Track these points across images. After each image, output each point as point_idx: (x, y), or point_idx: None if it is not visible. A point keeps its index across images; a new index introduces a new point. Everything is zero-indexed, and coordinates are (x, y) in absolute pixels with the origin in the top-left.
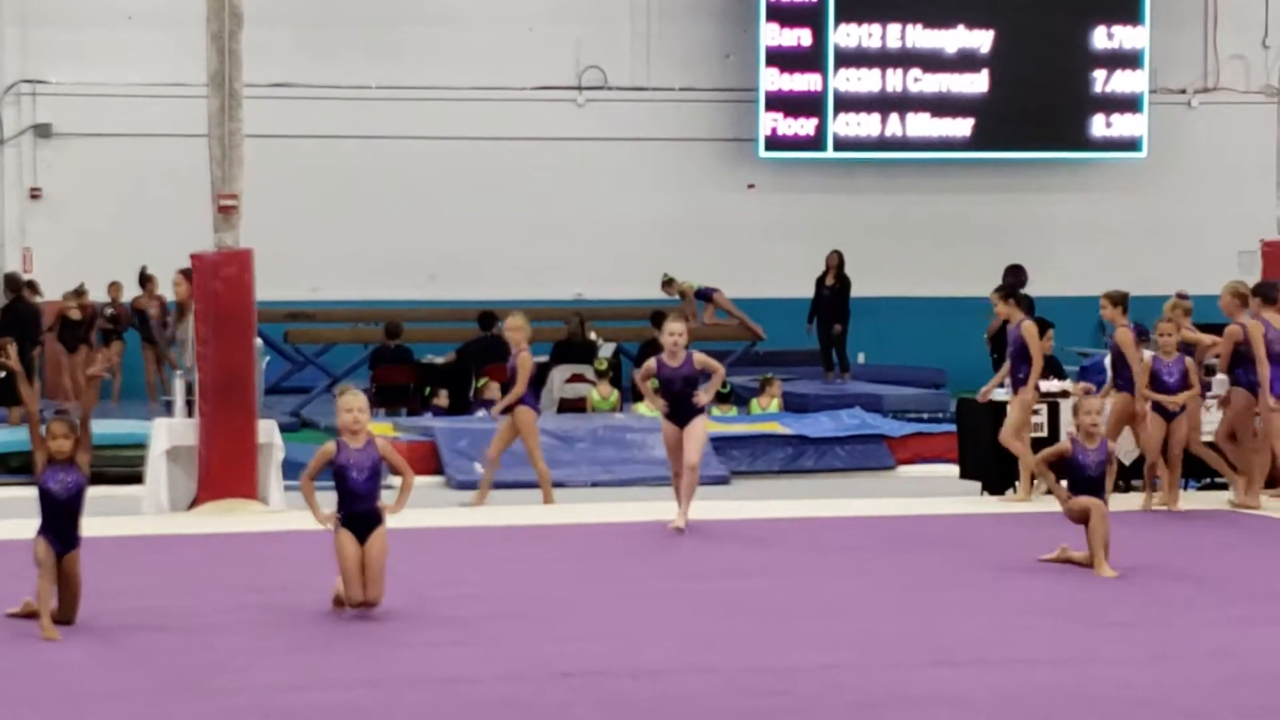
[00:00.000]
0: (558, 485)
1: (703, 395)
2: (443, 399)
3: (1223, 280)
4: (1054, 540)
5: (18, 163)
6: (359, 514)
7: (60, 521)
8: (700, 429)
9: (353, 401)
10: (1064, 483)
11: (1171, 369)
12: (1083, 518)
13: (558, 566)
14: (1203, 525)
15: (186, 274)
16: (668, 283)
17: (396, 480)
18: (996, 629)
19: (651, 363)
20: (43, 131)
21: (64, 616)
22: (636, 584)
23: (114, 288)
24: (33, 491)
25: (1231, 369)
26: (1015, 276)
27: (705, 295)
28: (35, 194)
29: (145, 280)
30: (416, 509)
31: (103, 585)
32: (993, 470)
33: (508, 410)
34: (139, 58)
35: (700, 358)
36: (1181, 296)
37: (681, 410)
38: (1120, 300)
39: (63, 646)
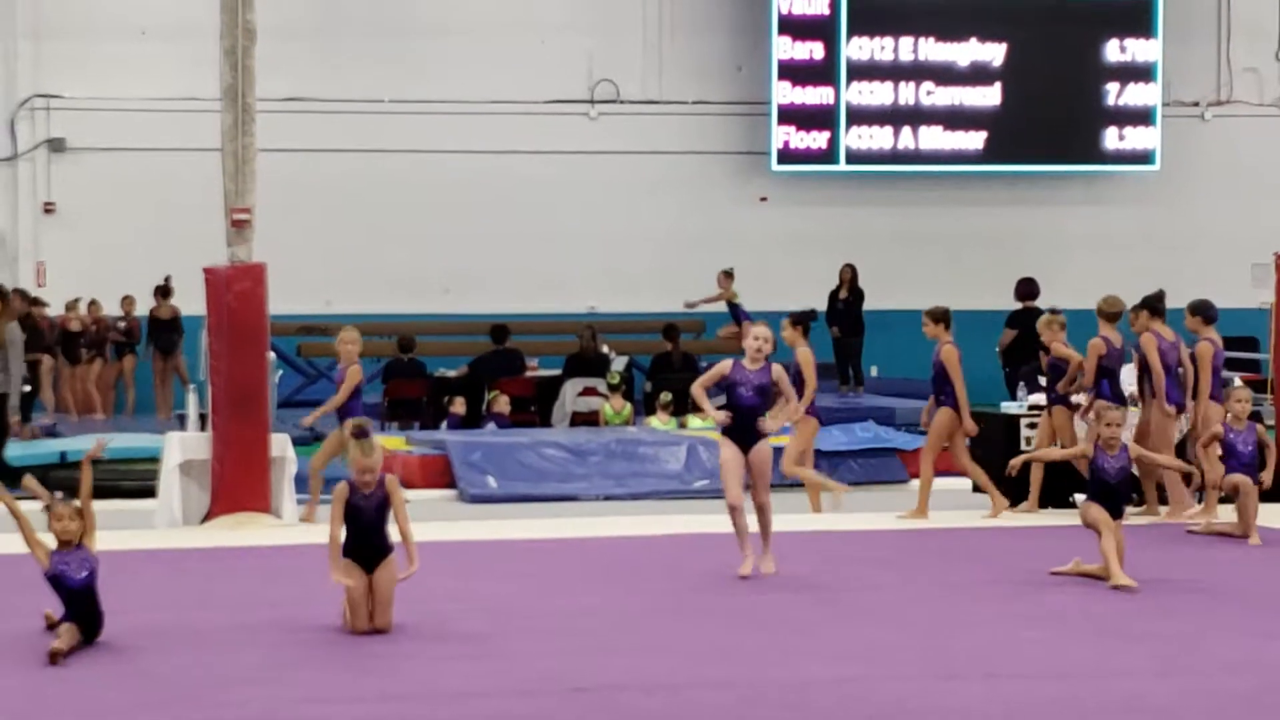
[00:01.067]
0: (571, 499)
1: (770, 423)
2: (459, 406)
3: (1236, 293)
4: (1065, 553)
5: (31, 177)
6: (367, 547)
7: (80, 608)
8: (768, 459)
9: (364, 462)
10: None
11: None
12: (1093, 527)
13: (570, 580)
14: (1213, 539)
15: None
16: (728, 274)
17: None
18: (1008, 642)
19: (726, 364)
20: (56, 146)
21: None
22: (649, 598)
23: (126, 301)
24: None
25: (1096, 382)
26: (1027, 288)
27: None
28: (49, 208)
29: (165, 292)
30: (429, 522)
31: (115, 599)
32: (1006, 483)
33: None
34: (152, 72)
35: (779, 371)
36: (1054, 312)
37: (746, 427)
38: (942, 317)
39: (75, 661)
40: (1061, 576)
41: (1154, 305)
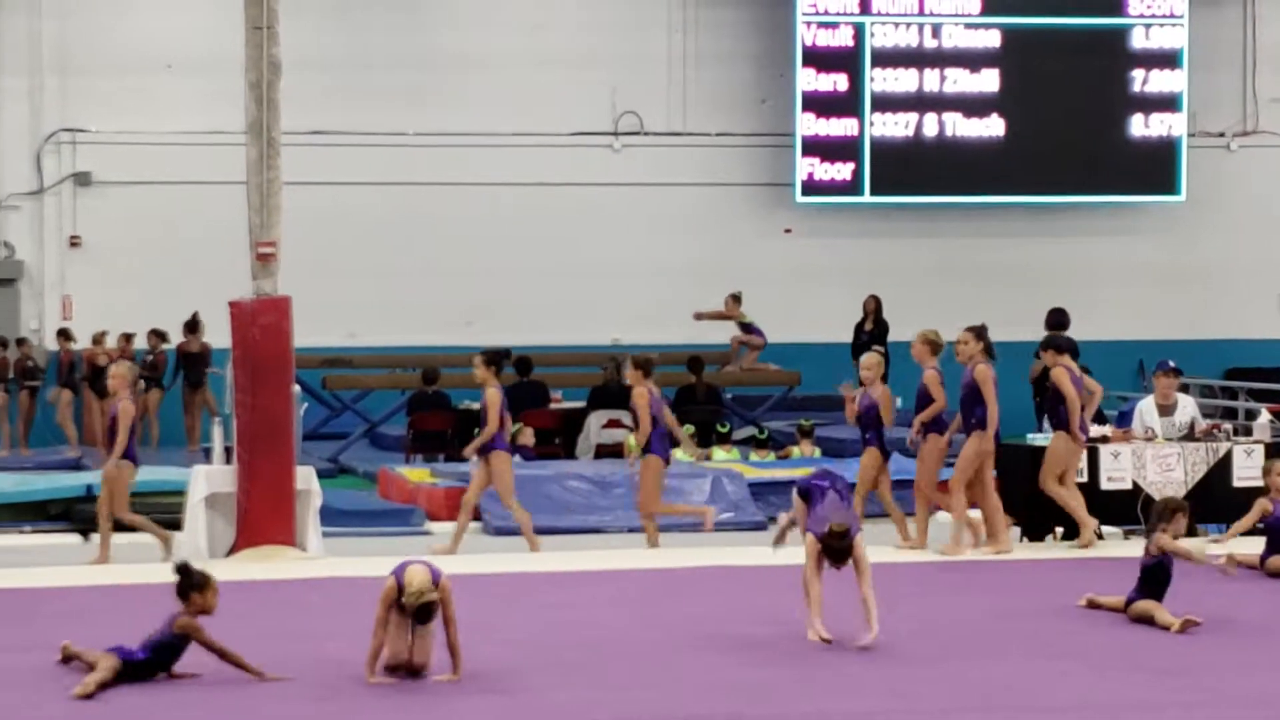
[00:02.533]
0: (595, 532)
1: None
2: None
3: (1263, 324)
4: (1091, 587)
5: (57, 211)
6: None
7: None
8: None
9: (419, 583)
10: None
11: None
12: None
13: (593, 613)
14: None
15: None
16: (735, 299)
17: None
18: (1030, 675)
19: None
20: (82, 180)
21: None
22: (673, 630)
23: (153, 336)
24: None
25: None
26: (1057, 318)
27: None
28: (75, 242)
29: (194, 326)
30: (454, 555)
31: (138, 633)
32: (1031, 515)
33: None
34: (178, 106)
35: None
36: (880, 351)
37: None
38: (982, 336)
39: (103, 693)
40: (1084, 610)
41: (1059, 344)
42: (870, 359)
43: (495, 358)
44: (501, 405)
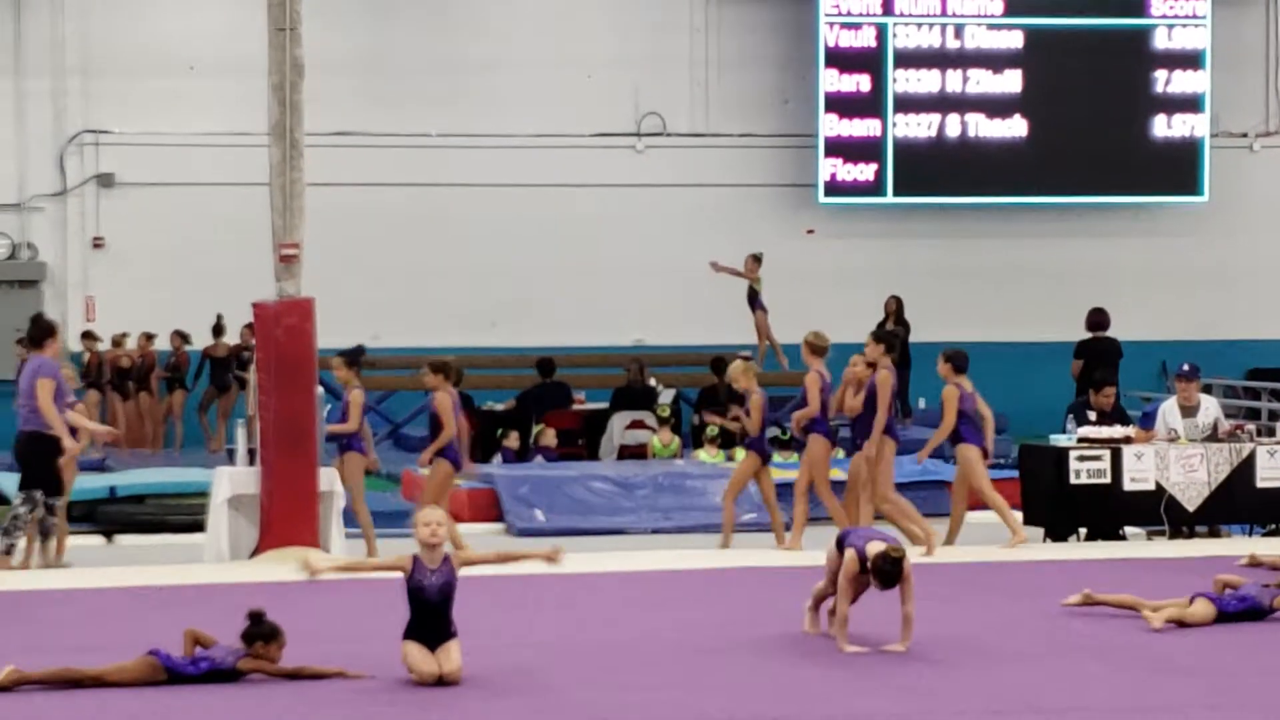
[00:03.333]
0: (619, 533)
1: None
2: (513, 440)
3: None
4: (1115, 587)
5: (80, 212)
6: (432, 630)
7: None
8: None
9: (431, 515)
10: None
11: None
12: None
13: (617, 614)
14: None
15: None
16: (756, 259)
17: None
18: (1057, 676)
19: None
20: (105, 181)
21: None
22: (697, 632)
23: (175, 337)
24: (92, 540)
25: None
26: (1097, 318)
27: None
28: (98, 243)
29: (219, 330)
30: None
31: (163, 634)
32: (1055, 517)
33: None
34: (200, 108)
35: None
36: (746, 358)
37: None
38: (811, 344)
39: (125, 696)
40: (1109, 610)
41: (957, 360)
42: (736, 368)
43: (355, 358)
44: (362, 407)
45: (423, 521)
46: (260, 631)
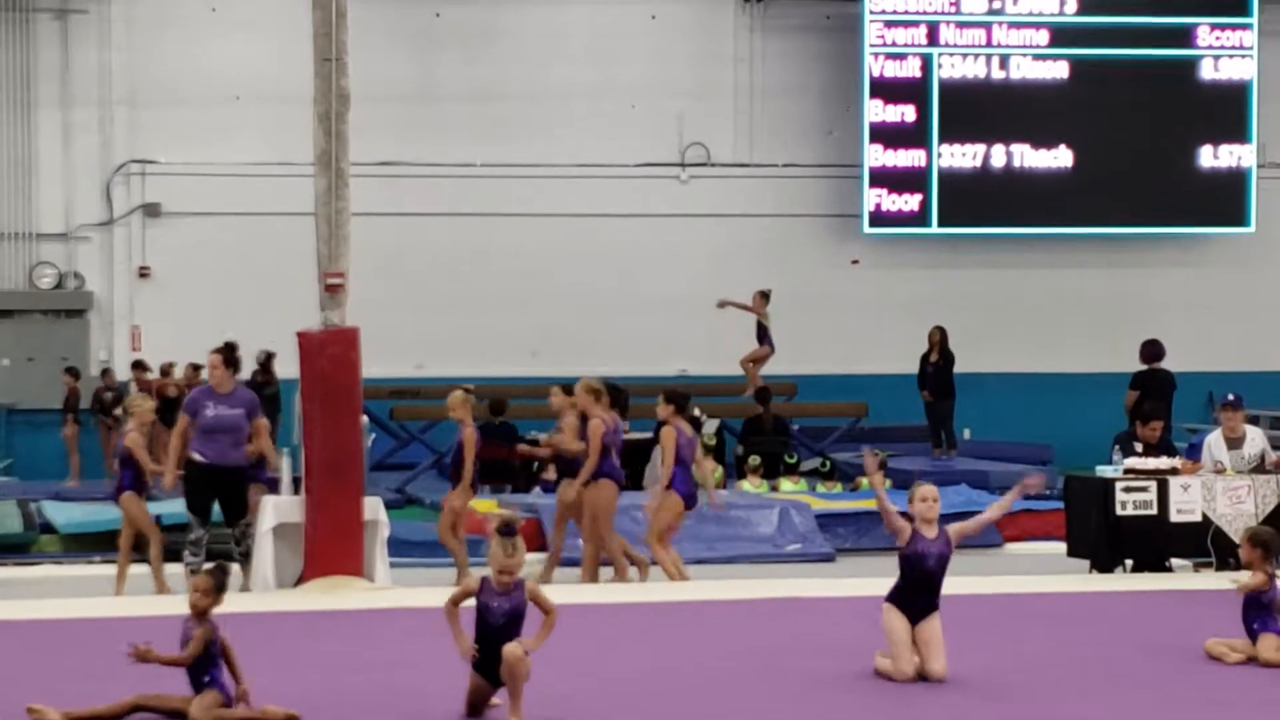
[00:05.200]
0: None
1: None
2: (551, 472)
3: None
4: (1169, 619)
5: (127, 242)
6: (493, 656)
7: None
8: (940, 631)
9: (505, 561)
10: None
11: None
12: None
13: (660, 644)
14: None
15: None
16: (764, 296)
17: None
18: (1103, 709)
19: (905, 528)
20: (151, 211)
21: None
22: (740, 662)
23: (190, 370)
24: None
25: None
26: (1152, 350)
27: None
28: (144, 273)
29: (267, 364)
30: None
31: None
32: (1100, 548)
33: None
34: (246, 137)
35: (956, 530)
36: (467, 390)
37: (925, 598)
38: (595, 390)
39: None
40: (1155, 643)
41: (679, 399)
42: (455, 399)
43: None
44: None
45: (492, 556)
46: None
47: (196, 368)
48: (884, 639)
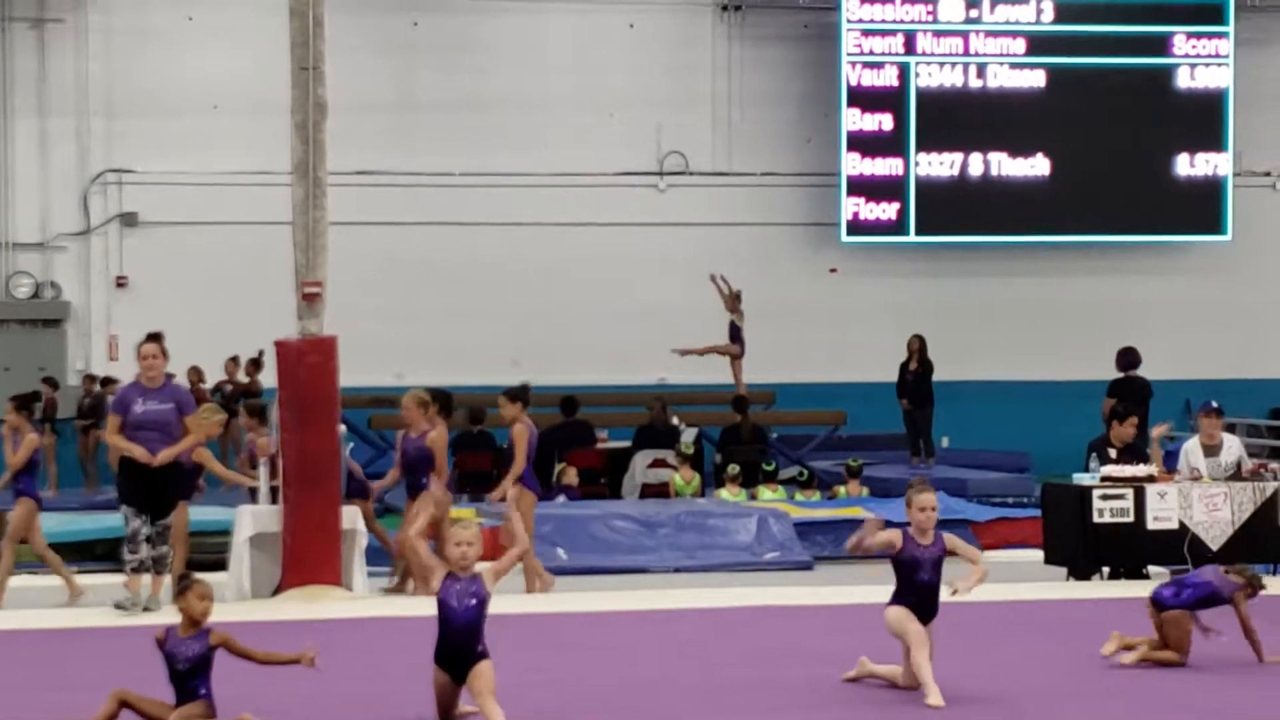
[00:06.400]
0: (641, 571)
1: (961, 583)
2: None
3: None
4: (1146, 627)
5: (104, 251)
6: (458, 651)
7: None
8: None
9: (462, 534)
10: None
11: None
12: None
13: (640, 653)
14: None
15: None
16: (736, 296)
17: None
18: (1080, 716)
19: (895, 537)
20: (129, 220)
21: None
22: (719, 671)
23: (193, 372)
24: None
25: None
26: (1128, 358)
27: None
28: (121, 282)
29: (257, 365)
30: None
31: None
32: (1078, 555)
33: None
34: (223, 147)
35: (952, 540)
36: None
37: (929, 605)
38: (425, 403)
39: None
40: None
41: (524, 395)
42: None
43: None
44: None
45: (454, 539)
46: (181, 588)
47: (194, 373)
48: (872, 646)
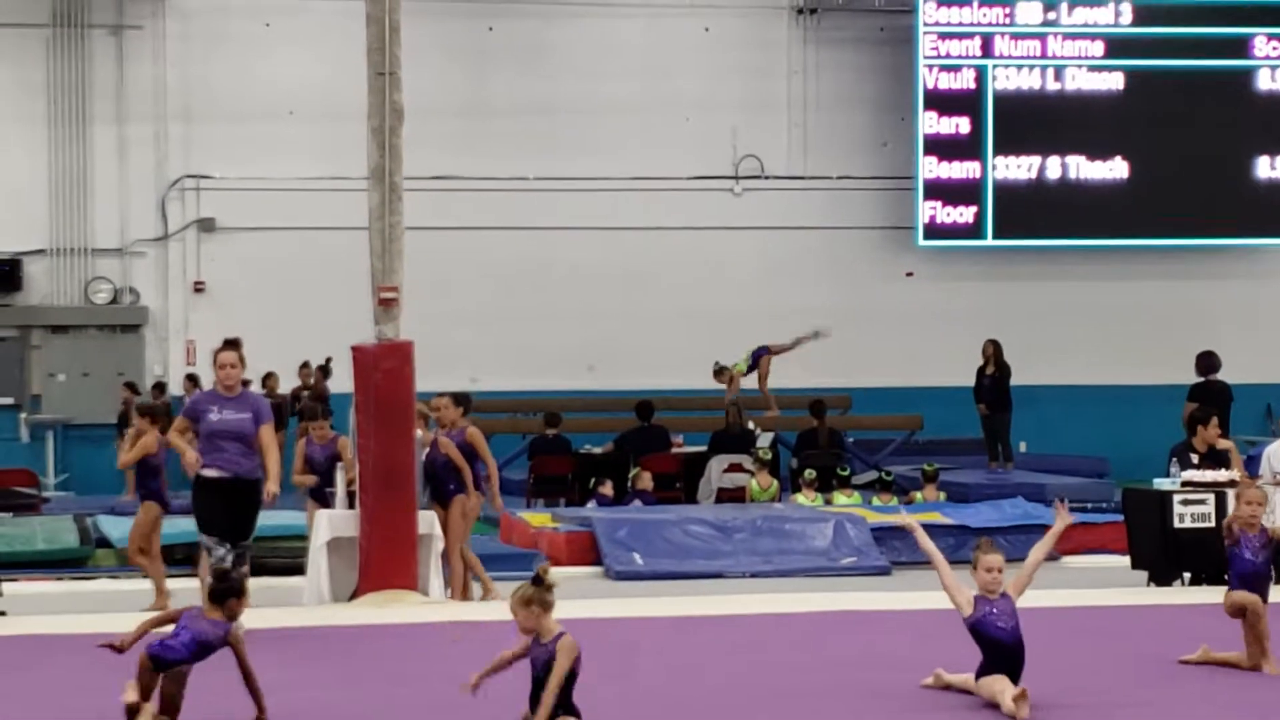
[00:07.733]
0: (717, 576)
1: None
2: (608, 488)
3: None
4: (1229, 631)
5: (182, 257)
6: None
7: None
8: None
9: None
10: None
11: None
12: (1239, 613)
13: (716, 658)
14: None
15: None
16: (719, 372)
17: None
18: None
19: (967, 602)
20: (206, 226)
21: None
22: (795, 677)
23: (270, 378)
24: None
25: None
26: (1208, 362)
27: (758, 357)
28: (199, 287)
29: (325, 372)
30: (575, 600)
31: (263, 677)
32: (1158, 561)
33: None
34: (300, 152)
35: (1014, 587)
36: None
37: (1009, 667)
38: (462, 401)
39: None
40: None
41: (466, 401)
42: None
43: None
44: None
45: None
46: (230, 588)
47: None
48: (950, 652)
